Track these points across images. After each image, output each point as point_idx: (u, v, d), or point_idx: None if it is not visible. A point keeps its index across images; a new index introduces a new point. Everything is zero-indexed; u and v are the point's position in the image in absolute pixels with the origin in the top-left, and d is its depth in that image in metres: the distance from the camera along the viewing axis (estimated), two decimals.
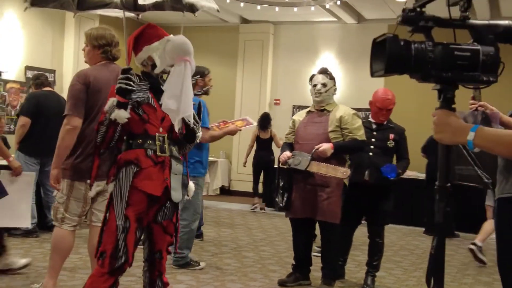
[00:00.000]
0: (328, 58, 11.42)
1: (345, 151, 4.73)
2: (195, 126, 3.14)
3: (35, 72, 8.29)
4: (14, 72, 9.44)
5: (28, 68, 9.63)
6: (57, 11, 9.87)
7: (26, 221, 5.16)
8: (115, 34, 3.80)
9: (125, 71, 2.93)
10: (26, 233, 6.32)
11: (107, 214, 3.06)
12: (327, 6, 9.47)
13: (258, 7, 9.58)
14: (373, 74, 1.81)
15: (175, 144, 3.18)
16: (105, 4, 3.54)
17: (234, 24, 12.09)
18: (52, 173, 3.66)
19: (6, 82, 9.43)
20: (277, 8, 9.54)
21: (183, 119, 3.06)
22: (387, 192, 4.92)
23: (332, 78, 4.91)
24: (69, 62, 10.39)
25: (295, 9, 9.49)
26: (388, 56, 1.68)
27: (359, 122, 4.76)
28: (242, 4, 9.45)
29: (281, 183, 4.86)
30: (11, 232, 6.30)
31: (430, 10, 1.78)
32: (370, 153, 4.89)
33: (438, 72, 1.71)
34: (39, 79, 6.74)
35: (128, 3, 3.61)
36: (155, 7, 3.55)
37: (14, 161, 5.31)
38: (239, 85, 12.15)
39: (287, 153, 4.81)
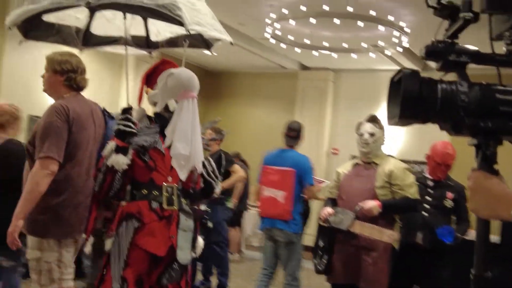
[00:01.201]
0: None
1: (395, 211, 4.19)
2: (213, 181, 2.77)
3: None
4: None
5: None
6: (116, 54, 10.00)
7: None
8: (82, 61, 3.24)
9: (125, 111, 2.62)
10: None
11: (104, 275, 2.70)
12: (388, 53, 9.03)
13: (316, 53, 9.26)
14: (389, 121, 1.38)
15: (186, 197, 2.81)
16: (113, 40, 3.22)
17: (293, 70, 11.84)
18: (18, 225, 2.90)
19: None
20: (335, 55, 9.19)
21: (201, 173, 2.72)
22: (443, 257, 4.33)
23: (381, 127, 4.43)
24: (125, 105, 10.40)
25: (355, 56, 9.10)
26: (402, 98, 1.25)
27: (411, 178, 4.23)
28: (298, 50, 9.16)
29: (321, 244, 4.36)
30: None
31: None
32: (425, 213, 4.34)
33: (474, 121, 1.26)
34: None
35: (140, 39, 3.32)
36: (168, 43, 3.23)
37: None
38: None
39: (328, 210, 4.32)
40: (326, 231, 4.31)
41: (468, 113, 1.25)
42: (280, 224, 5.04)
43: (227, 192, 6.33)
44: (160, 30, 3.25)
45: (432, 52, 1.30)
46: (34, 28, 3.07)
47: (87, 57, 10.23)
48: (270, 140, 11.45)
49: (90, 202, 2.80)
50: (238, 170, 6.22)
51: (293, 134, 5.30)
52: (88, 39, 3.27)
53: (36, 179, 2.88)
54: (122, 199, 2.75)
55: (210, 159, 2.79)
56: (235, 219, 8.45)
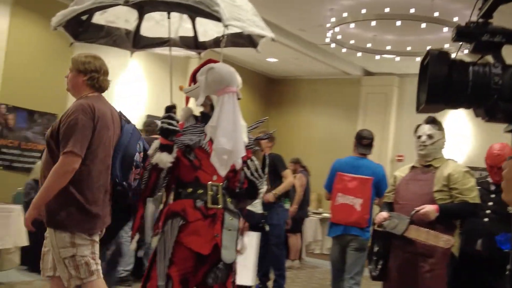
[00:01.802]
0: (457, 113, 10.50)
1: (453, 215, 4.01)
2: (256, 180, 2.74)
3: (148, 119, 8.43)
4: (135, 120, 9.73)
5: (149, 117, 9.90)
6: (180, 59, 10.16)
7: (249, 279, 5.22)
8: (105, 64, 3.36)
9: (168, 109, 2.63)
10: (119, 281, 6.21)
11: (150, 272, 2.72)
12: (453, 55, 8.71)
13: (377, 57, 9.09)
14: (418, 108, 1.31)
15: (232, 196, 2.79)
16: (163, 42, 3.25)
17: (356, 76, 11.67)
18: (33, 213, 3.05)
19: None
20: (397, 58, 8.98)
21: (244, 172, 2.70)
22: (503, 266, 4.07)
23: (441, 129, 4.24)
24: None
25: (418, 59, 8.84)
26: (429, 81, 1.18)
27: (471, 182, 4.03)
28: (360, 54, 9.02)
29: (376, 249, 4.23)
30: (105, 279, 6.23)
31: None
32: (485, 219, 4.12)
33: (509, 106, 1.17)
34: (150, 126, 6.76)
35: (188, 40, 3.34)
36: (216, 43, 3.23)
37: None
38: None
39: (383, 214, 4.19)
40: (382, 236, 4.17)
41: (502, 97, 1.17)
42: (355, 231, 5.07)
43: (284, 194, 6.30)
44: (208, 30, 3.26)
45: (464, 33, 1.22)
46: (83, 30, 3.16)
47: (153, 64, 10.39)
48: (332, 147, 11.35)
49: (137, 200, 2.83)
50: (288, 175, 6.19)
51: (366, 142, 5.40)
52: (138, 41, 3.33)
53: (59, 174, 2.99)
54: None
55: (254, 159, 2.76)
56: (296, 226, 8.36)
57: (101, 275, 3.20)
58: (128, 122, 3.45)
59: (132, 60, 9.51)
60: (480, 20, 1.21)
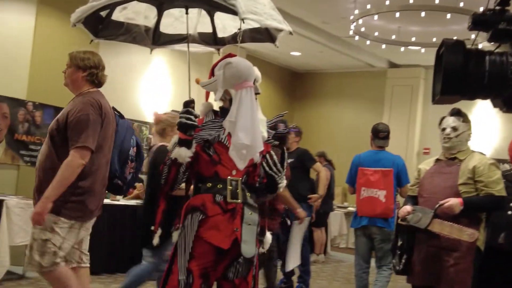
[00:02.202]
0: (485, 105, 10.32)
1: (478, 209, 3.93)
2: (275, 175, 2.72)
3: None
4: None
5: (174, 112, 9.95)
6: (204, 55, 10.17)
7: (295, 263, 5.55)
8: (102, 59, 3.48)
9: (186, 103, 2.63)
10: None
11: (172, 266, 2.73)
12: (480, 46, 8.57)
13: (402, 49, 8.97)
14: (433, 99, 1.27)
15: (251, 191, 2.78)
16: (182, 38, 3.25)
17: (382, 69, 11.54)
18: (47, 207, 3.10)
19: (152, 125, 9.81)
20: (423, 50, 8.85)
21: (263, 166, 2.69)
22: None
23: (466, 121, 4.16)
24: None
25: None
26: (444, 72, 1.15)
27: (497, 174, 3.94)
28: (384, 46, 8.91)
29: (400, 242, 4.18)
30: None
31: None
32: (509, 212, 4.03)
33: None
34: None
35: (207, 36, 3.32)
36: (234, 39, 3.21)
37: (302, 211, 5.32)
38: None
39: (407, 208, 4.13)
40: (405, 230, 4.12)
41: None
42: (380, 223, 5.21)
43: (310, 190, 6.28)
44: (226, 26, 3.25)
45: (480, 21, 1.18)
46: (103, 27, 3.18)
47: (177, 60, 10.41)
48: (357, 141, 11.25)
49: (158, 195, 2.83)
50: (320, 168, 6.20)
51: (383, 135, 5.47)
52: (157, 38, 3.33)
53: (73, 167, 3.12)
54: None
55: (272, 153, 2.74)
56: (320, 220, 8.34)
57: (84, 264, 3.41)
58: (122, 117, 3.61)
59: (156, 56, 9.57)
60: (497, 7, 1.17)
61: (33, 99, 8.08)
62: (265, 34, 3.09)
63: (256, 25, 2.81)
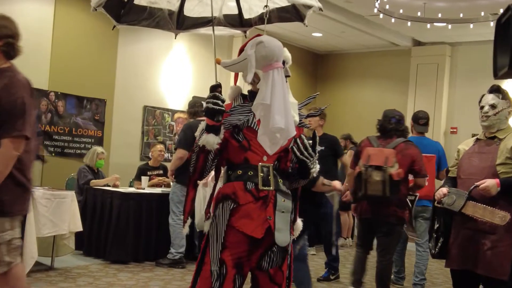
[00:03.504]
0: None
1: None
2: (307, 160, 2.59)
3: (192, 100, 8.36)
4: (181, 102, 9.72)
5: (195, 98, 9.86)
6: (225, 39, 10.04)
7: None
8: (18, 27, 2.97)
9: (213, 88, 2.51)
10: (172, 263, 6.22)
11: (204, 257, 2.64)
12: None
13: (428, 25, 8.72)
14: (496, 74, 1.14)
15: (283, 177, 2.67)
16: (207, 22, 3.07)
17: (406, 47, 11.28)
18: None
19: (174, 112, 9.75)
20: (449, 26, 8.58)
21: (294, 151, 2.56)
22: None
23: (506, 98, 3.96)
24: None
25: (471, 26, 8.44)
26: None
27: None
28: (409, 24, 8.67)
29: (436, 226, 4.04)
30: (159, 262, 6.27)
31: None
32: None
33: None
34: (193, 107, 6.55)
35: (233, 18, 3.17)
36: (261, 20, 3.04)
37: (337, 182, 5.01)
38: (410, 112, 11.18)
39: (443, 190, 3.98)
40: (442, 212, 3.98)
41: None
42: (426, 202, 5.54)
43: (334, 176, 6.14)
44: (252, 7, 3.08)
45: None
46: (125, 12, 3.04)
47: (198, 46, 10.32)
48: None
49: (187, 183, 2.72)
50: (348, 161, 5.92)
51: (423, 121, 5.92)
52: (181, 22, 3.18)
53: (7, 159, 2.77)
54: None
55: (303, 137, 2.61)
56: (347, 204, 8.19)
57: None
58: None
59: (177, 42, 9.47)
60: None
61: (55, 89, 8.07)
62: (293, 13, 2.94)
63: (284, 3, 2.65)
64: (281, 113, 2.37)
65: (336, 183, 5.00)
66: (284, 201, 2.60)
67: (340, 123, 11.10)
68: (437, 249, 3.99)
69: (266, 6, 2.62)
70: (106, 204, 6.53)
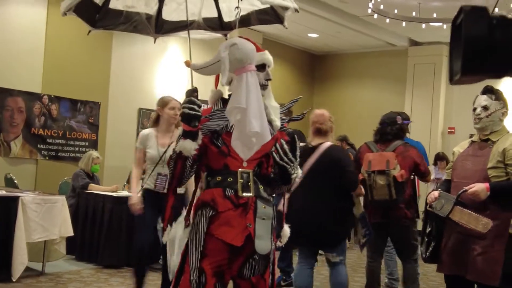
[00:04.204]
0: None
1: (506, 195, 3.65)
2: (287, 165, 2.53)
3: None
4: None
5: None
6: (222, 40, 9.99)
7: None
8: None
9: (189, 93, 2.46)
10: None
11: (184, 265, 2.58)
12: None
13: (423, 26, 8.66)
14: (452, 79, 1.08)
15: (264, 183, 2.61)
16: (185, 26, 2.99)
17: (403, 47, 11.23)
18: None
19: None
20: (445, 26, 8.53)
21: (273, 156, 2.51)
22: None
23: (499, 99, 3.87)
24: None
25: None
26: (465, 45, 0.96)
27: None
28: (404, 24, 8.61)
29: (428, 229, 3.97)
30: (152, 266, 6.20)
31: None
32: None
33: None
34: None
35: (212, 22, 3.11)
36: (241, 23, 2.96)
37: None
38: (407, 112, 11.16)
39: (434, 193, 3.91)
40: (433, 216, 3.92)
41: None
42: None
43: None
44: (232, 9, 3.02)
45: None
46: (101, 17, 2.96)
47: (194, 47, 10.38)
48: (378, 119, 10.94)
49: (167, 190, 2.68)
50: None
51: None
52: (160, 26, 3.12)
53: None
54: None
55: (282, 142, 2.55)
56: None
57: None
58: None
59: (172, 44, 9.42)
60: None
61: (49, 92, 8.03)
62: (272, 15, 2.88)
63: (260, 5, 2.60)
64: (257, 117, 2.33)
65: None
66: (264, 207, 2.54)
67: (337, 124, 10.91)
68: (428, 253, 3.93)
69: (237, 7, 2.57)
70: (99, 208, 6.48)
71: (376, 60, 11.64)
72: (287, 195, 4.25)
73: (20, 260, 5.24)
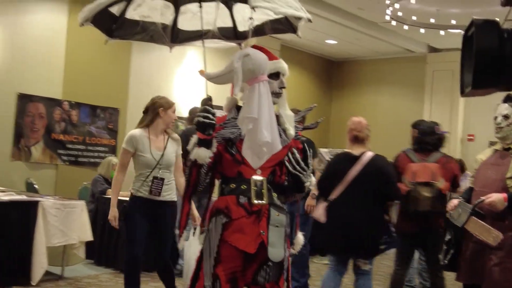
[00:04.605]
0: None
1: None
2: (300, 174, 2.55)
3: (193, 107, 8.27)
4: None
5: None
6: (234, 48, 10.05)
7: None
8: None
9: (204, 101, 2.50)
10: (181, 274, 6.19)
11: (198, 272, 2.61)
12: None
13: (442, 32, 8.62)
14: (463, 91, 1.09)
15: (278, 191, 2.63)
16: (201, 35, 3.02)
17: (421, 53, 11.18)
18: None
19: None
20: (463, 32, 8.46)
21: (286, 166, 2.53)
22: None
23: None
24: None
25: None
26: (476, 57, 0.97)
27: None
28: (423, 31, 8.58)
29: (448, 238, 3.95)
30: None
31: None
32: None
33: None
34: (191, 114, 6.51)
35: (227, 31, 3.14)
36: (255, 32, 2.98)
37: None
38: (426, 119, 11.12)
39: (454, 201, 3.89)
40: (452, 224, 3.89)
41: None
42: None
43: None
44: (246, 19, 3.04)
45: None
46: (118, 27, 3.01)
47: (212, 54, 10.41)
48: (398, 129, 10.94)
49: (182, 197, 2.71)
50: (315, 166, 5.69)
51: None
52: (176, 35, 3.16)
53: None
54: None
55: (294, 150, 2.58)
56: None
57: None
58: None
59: (189, 51, 9.49)
60: None
61: (69, 98, 8.14)
62: (286, 24, 2.91)
63: (273, 15, 2.63)
64: (268, 127, 2.36)
65: None
66: (278, 215, 2.56)
67: None
68: (446, 261, 3.91)
69: (251, 18, 2.60)
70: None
71: (394, 66, 11.61)
72: (326, 203, 4.33)
73: (40, 264, 5.31)
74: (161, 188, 4.21)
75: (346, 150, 4.64)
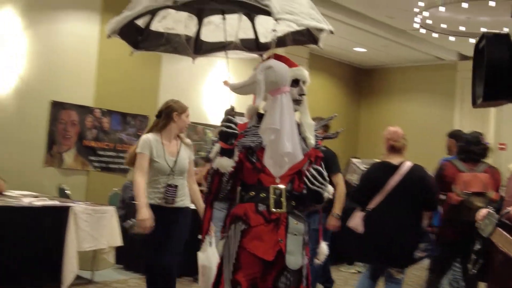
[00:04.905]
0: None
1: None
2: (318, 189, 2.58)
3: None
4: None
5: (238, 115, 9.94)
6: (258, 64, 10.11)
7: None
8: None
9: (227, 111, 2.57)
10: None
11: (219, 278, 2.67)
12: None
13: (472, 40, 8.52)
14: (475, 102, 1.12)
15: (297, 199, 2.67)
16: (223, 46, 3.09)
17: (451, 61, 11.06)
18: None
19: (216, 127, 9.86)
20: None
21: (305, 182, 2.58)
22: None
23: None
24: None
25: None
26: (487, 70, 0.99)
27: None
28: (453, 38, 8.51)
29: (477, 247, 3.92)
30: (196, 277, 6.29)
31: None
32: None
33: None
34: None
35: (249, 42, 3.20)
36: (277, 43, 3.03)
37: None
38: (457, 128, 10.98)
39: (483, 211, 3.85)
40: (481, 234, 3.86)
41: None
42: None
43: None
44: (268, 30, 3.11)
45: None
46: (143, 38, 3.11)
47: (238, 62, 10.44)
48: (428, 137, 10.85)
49: (205, 203, 2.78)
50: (340, 181, 5.42)
51: None
52: (199, 46, 3.24)
53: None
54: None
55: (315, 166, 2.63)
56: None
57: None
58: None
59: (219, 59, 9.55)
60: None
61: (100, 106, 8.30)
62: (308, 36, 2.96)
63: (296, 26, 2.68)
64: (289, 138, 2.41)
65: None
66: (296, 223, 2.62)
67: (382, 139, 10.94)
68: (473, 271, 3.87)
69: (274, 30, 2.67)
70: None
71: (424, 74, 11.51)
72: (363, 213, 4.35)
73: (71, 268, 5.43)
74: (176, 195, 4.14)
75: (383, 159, 4.64)
